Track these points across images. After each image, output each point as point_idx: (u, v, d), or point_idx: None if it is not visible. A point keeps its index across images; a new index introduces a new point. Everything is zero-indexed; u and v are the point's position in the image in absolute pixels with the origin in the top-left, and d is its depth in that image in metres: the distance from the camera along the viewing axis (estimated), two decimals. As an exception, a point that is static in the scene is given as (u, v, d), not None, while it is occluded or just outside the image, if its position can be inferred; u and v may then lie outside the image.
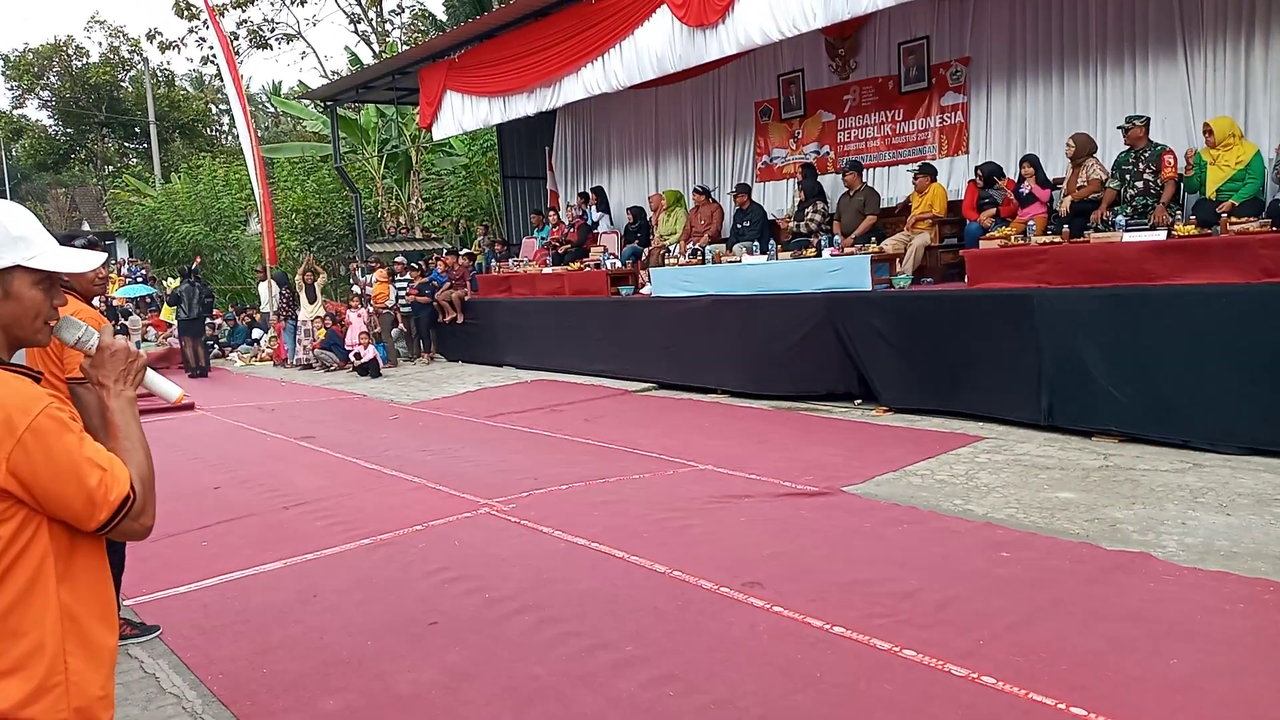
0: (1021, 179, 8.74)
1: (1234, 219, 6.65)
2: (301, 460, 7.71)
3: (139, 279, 22.81)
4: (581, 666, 3.61)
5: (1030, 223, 8.05)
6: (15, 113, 39.41)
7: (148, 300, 21.11)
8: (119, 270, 26.45)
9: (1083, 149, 8.28)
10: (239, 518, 5.98)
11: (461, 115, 13.66)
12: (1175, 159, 7.70)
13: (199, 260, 19.53)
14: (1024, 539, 4.82)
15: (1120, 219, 7.32)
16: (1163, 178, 7.66)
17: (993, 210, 8.89)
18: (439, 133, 14.45)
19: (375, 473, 7.06)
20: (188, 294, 14.82)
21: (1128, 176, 7.85)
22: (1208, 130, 7.39)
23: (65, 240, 2.03)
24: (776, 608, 4.05)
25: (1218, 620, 3.71)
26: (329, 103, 17.23)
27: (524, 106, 12.51)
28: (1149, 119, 7.88)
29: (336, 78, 22.65)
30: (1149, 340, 6.57)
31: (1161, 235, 6.87)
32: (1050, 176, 8.80)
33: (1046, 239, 7.64)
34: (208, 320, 16.65)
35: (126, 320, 21.98)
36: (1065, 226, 7.65)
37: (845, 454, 6.93)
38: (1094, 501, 5.36)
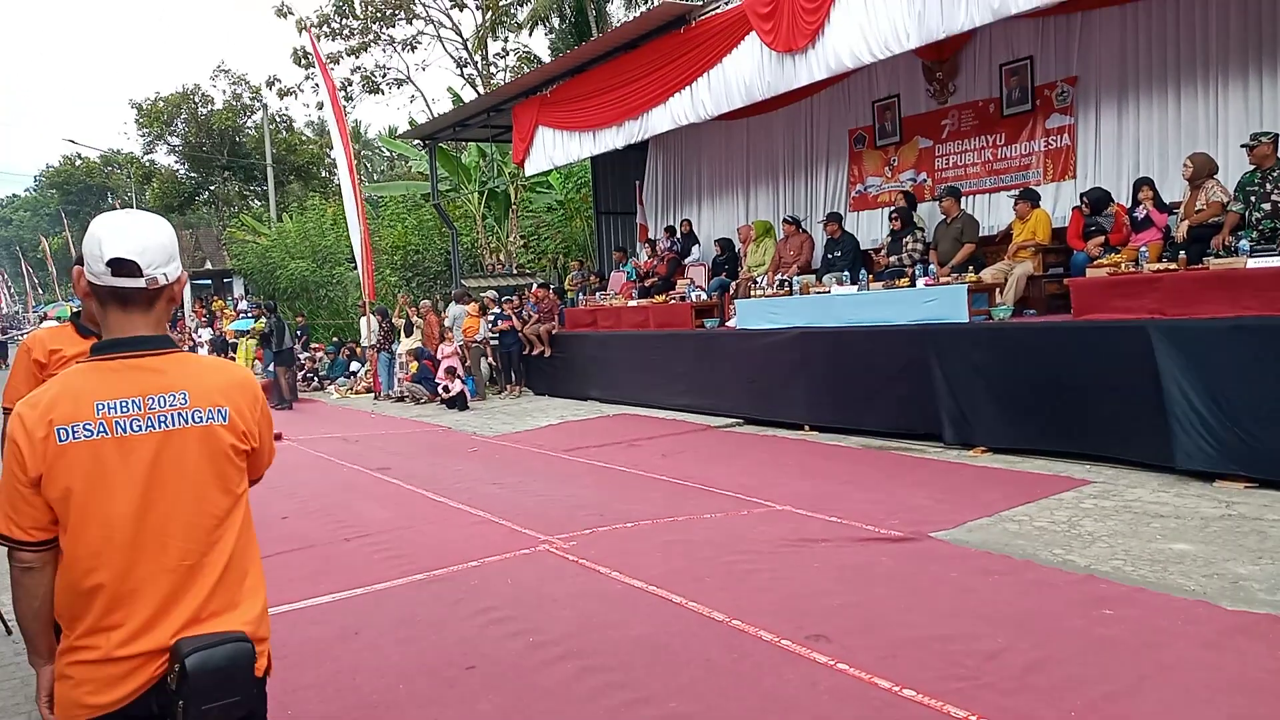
0: (1137, 203, 8.14)
1: (1377, 242, 5.97)
2: (372, 491, 7.63)
3: (250, 314, 23.63)
4: (619, 722, 3.30)
5: (1143, 249, 7.45)
6: (146, 158, 41.84)
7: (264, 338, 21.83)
8: (234, 305, 27.59)
9: (1201, 170, 7.65)
10: (299, 549, 5.88)
11: (553, 150, 13.69)
12: (1309, 178, 7.01)
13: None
14: (1130, 595, 4.30)
15: (1244, 244, 6.68)
16: (1293, 199, 6.98)
17: (1101, 238, 8.29)
18: (531, 168, 14.52)
19: (442, 505, 6.91)
20: (277, 329, 15.24)
21: (1253, 198, 7.18)
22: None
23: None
24: (841, 664, 3.66)
25: (1361, 699, 3.17)
26: (428, 141, 17.56)
27: (613, 140, 12.44)
28: (1277, 135, 7.22)
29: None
30: (1279, 375, 5.92)
31: (1292, 260, 6.23)
32: (1166, 201, 8.18)
33: (1160, 266, 7.04)
34: (301, 352, 17.08)
35: (233, 353, 22.83)
36: (1182, 253, 7.04)
37: (936, 497, 6.45)
38: (1213, 554, 4.78)
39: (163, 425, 1.83)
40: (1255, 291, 6.26)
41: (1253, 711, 3.12)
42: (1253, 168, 7.23)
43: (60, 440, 1.77)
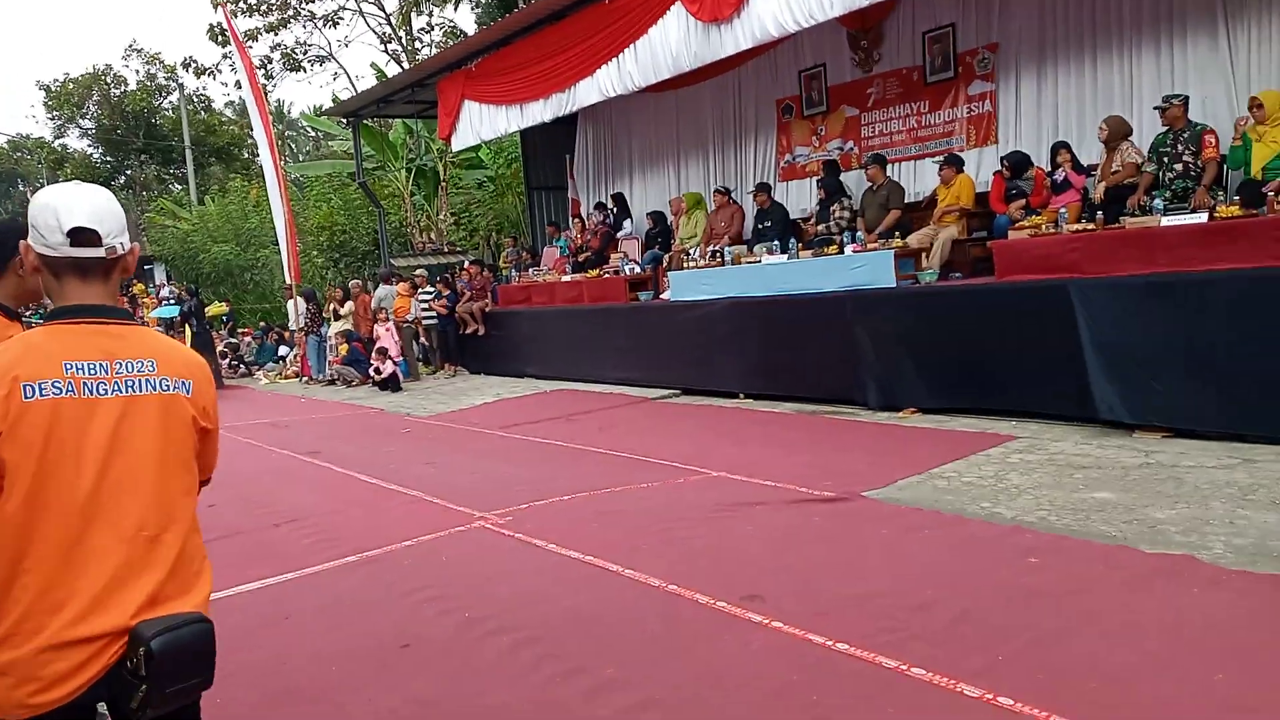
0: (1056, 165, 8.30)
1: (1281, 197, 6.17)
2: (302, 476, 7.48)
3: (171, 301, 22.98)
4: (555, 693, 3.28)
5: (1062, 211, 7.60)
6: (57, 142, 40.20)
7: (178, 322, 21.22)
8: (156, 293, 26.77)
9: (1116, 132, 7.83)
10: (225, 536, 5.73)
11: (479, 125, 13.48)
12: (1216, 139, 7.22)
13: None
14: (1055, 543, 4.40)
15: (1158, 203, 6.86)
16: (1203, 159, 7.19)
17: (1022, 201, 8.45)
18: (458, 143, 14.31)
19: (374, 487, 6.80)
20: (196, 312, 14.82)
21: (1166, 159, 7.39)
22: (1256, 105, 6.87)
23: None
24: (776, 623, 3.69)
25: (1271, 630, 3.29)
26: (351, 119, 17.17)
27: (541, 113, 12.28)
28: (1188, 98, 7.42)
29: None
30: (1192, 329, 6.10)
31: (1203, 218, 6.41)
32: (1084, 163, 8.35)
33: (1079, 227, 7.19)
34: (228, 338, 16.64)
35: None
36: (1099, 213, 7.20)
37: (868, 457, 6.54)
38: (1133, 501, 4.92)
39: (130, 390, 1.80)
40: (1168, 249, 6.44)
41: (1172, 648, 3.22)
42: (1165, 129, 7.42)
43: (26, 397, 1.72)
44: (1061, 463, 5.85)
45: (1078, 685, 2.98)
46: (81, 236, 1.79)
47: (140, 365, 1.83)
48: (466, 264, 15.78)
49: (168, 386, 1.85)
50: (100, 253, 1.82)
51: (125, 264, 1.89)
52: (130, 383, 1.81)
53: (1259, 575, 3.78)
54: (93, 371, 1.78)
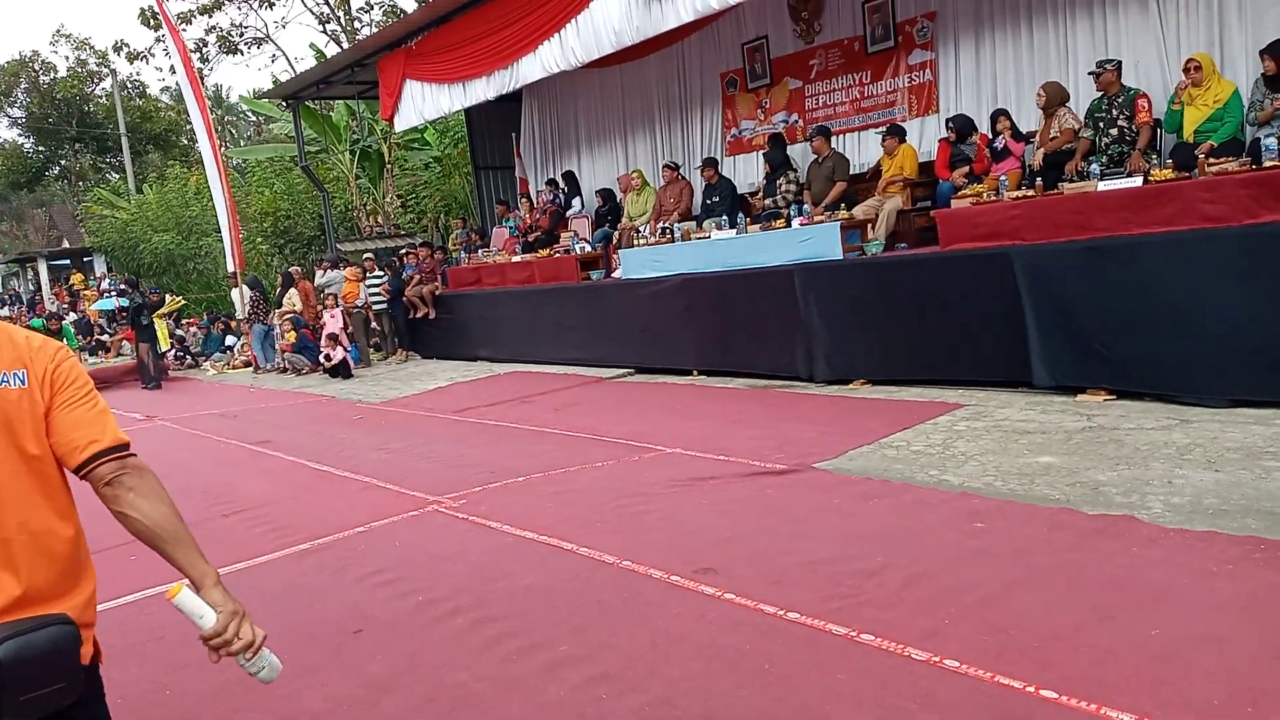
0: (996, 133, 8.40)
1: (1212, 160, 6.32)
2: (252, 465, 7.39)
3: (116, 293, 22.45)
4: (512, 670, 3.29)
5: (1003, 178, 7.71)
6: (-15, 132, 38.99)
7: (122, 314, 20.74)
8: (98, 285, 26.13)
9: (1054, 98, 7.95)
10: (175, 528, 5.65)
11: (422, 105, 13.31)
12: (1149, 103, 7.36)
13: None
14: (1000, 508, 4.50)
15: (1095, 168, 6.99)
16: (1137, 123, 7.34)
17: (965, 168, 8.56)
18: (400, 124, 14.12)
19: (326, 474, 6.74)
20: (137, 306, 14.48)
21: (1101, 124, 7.52)
22: (1194, 66, 6.96)
23: None
24: (729, 595, 3.73)
25: (1204, 584, 3.40)
26: (290, 101, 16.83)
27: (484, 91, 12.15)
28: (1120, 63, 7.55)
29: (302, 77, 22.20)
30: (1131, 291, 6.23)
31: (1138, 182, 6.54)
32: (1024, 130, 8.47)
33: (1020, 194, 7.30)
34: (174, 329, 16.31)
35: (103, 336, 21.67)
36: (1039, 180, 7.32)
37: (819, 429, 6.61)
38: (1076, 465, 5.04)
39: None
40: (1105, 212, 6.56)
41: (1111, 603, 3.31)
42: (1100, 94, 7.54)
43: None
44: (1007, 429, 5.96)
45: (1021, 644, 3.06)
46: None
47: None
48: (416, 247, 15.57)
49: (4, 379, 1.74)
50: None
51: None
52: None
53: (1195, 533, 3.89)
54: None
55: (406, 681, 3.30)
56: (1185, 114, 7.02)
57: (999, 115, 8.39)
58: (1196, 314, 5.92)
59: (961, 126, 8.69)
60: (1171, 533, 3.93)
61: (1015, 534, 4.13)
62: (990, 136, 8.47)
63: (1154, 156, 7.22)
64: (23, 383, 1.76)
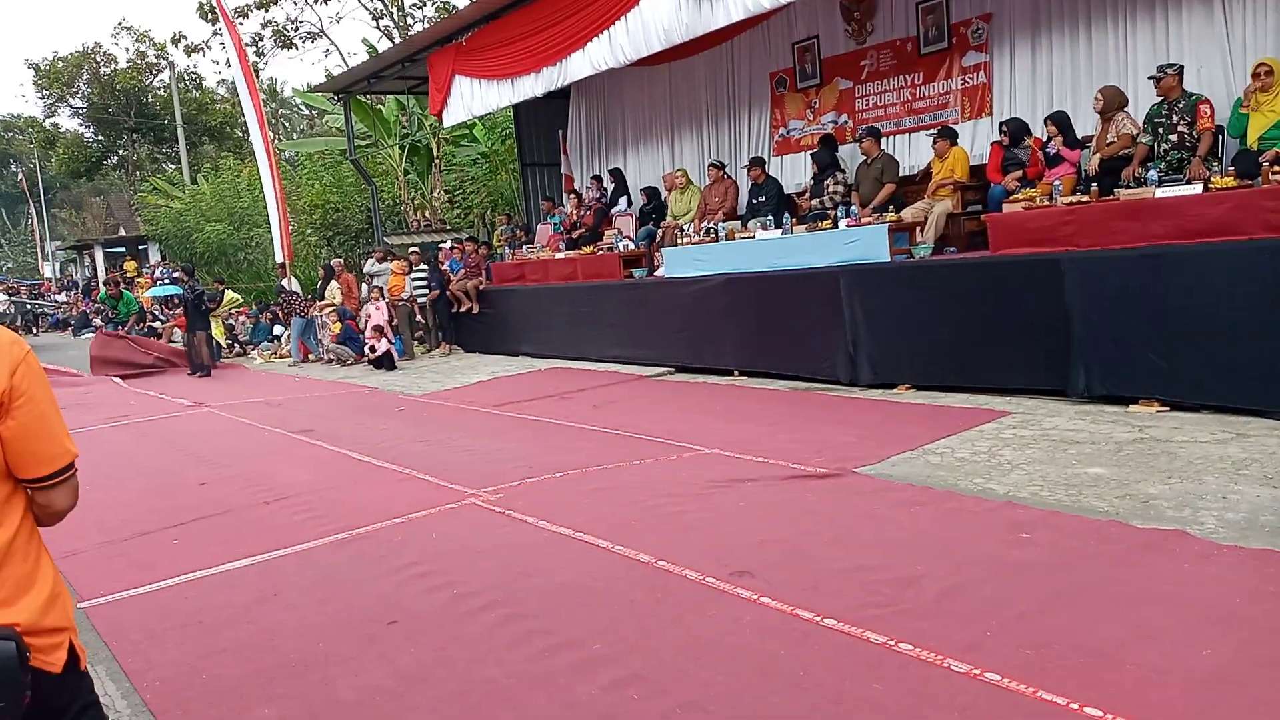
0: (1048, 139, 8.23)
1: (1277, 168, 6.12)
2: (295, 454, 7.46)
3: (167, 280, 22.88)
4: (542, 667, 3.27)
5: (1057, 183, 7.54)
6: (48, 122, 39.90)
7: (175, 301, 21.12)
8: (151, 273, 26.65)
9: (1111, 103, 7.75)
10: (217, 514, 5.72)
11: (471, 101, 13.37)
12: (1212, 109, 7.15)
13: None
14: (1046, 519, 4.39)
15: (1153, 174, 6.81)
16: (1198, 129, 7.12)
17: (1019, 172, 8.39)
18: (449, 119, 14.19)
19: (366, 465, 6.78)
20: (193, 295, 14.67)
21: (1161, 130, 7.32)
22: (1265, 71, 6.70)
23: None
24: (764, 599, 3.68)
25: (1260, 604, 3.28)
26: (342, 95, 17.02)
27: (532, 87, 12.17)
28: (1182, 67, 7.34)
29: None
30: (1188, 301, 6.07)
31: (1198, 189, 6.36)
32: (1080, 134, 8.28)
33: (1074, 199, 7.14)
34: (223, 319, 16.56)
35: (154, 323, 22.09)
36: (1094, 185, 7.15)
37: (861, 433, 6.52)
38: (1126, 477, 4.91)
39: None
40: (1163, 219, 6.39)
41: (1161, 621, 3.21)
42: (1160, 99, 7.35)
43: None
44: (1055, 438, 5.83)
45: (1065, 660, 2.97)
46: None
47: None
48: (463, 240, 15.64)
49: None
50: None
51: None
52: None
53: (1250, 550, 3.77)
54: None
55: (437, 675, 3.30)
56: (1250, 120, 6.81)
57: (1049, 121, 8.20)
58: (1255, 325, 5.74)
59: (1015, 130, 8.52)
60: (1225, 549, 3.81)
61: (1061, 546, 4.02)
62: (1044, 141, 8.30)
63: (1215, 164, 7.01)
64: None
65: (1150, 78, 7.45)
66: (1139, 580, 3.60)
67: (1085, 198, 6.99)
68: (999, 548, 4.07)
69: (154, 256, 30.13)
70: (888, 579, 3.78)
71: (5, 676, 1.58)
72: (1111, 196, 6.85)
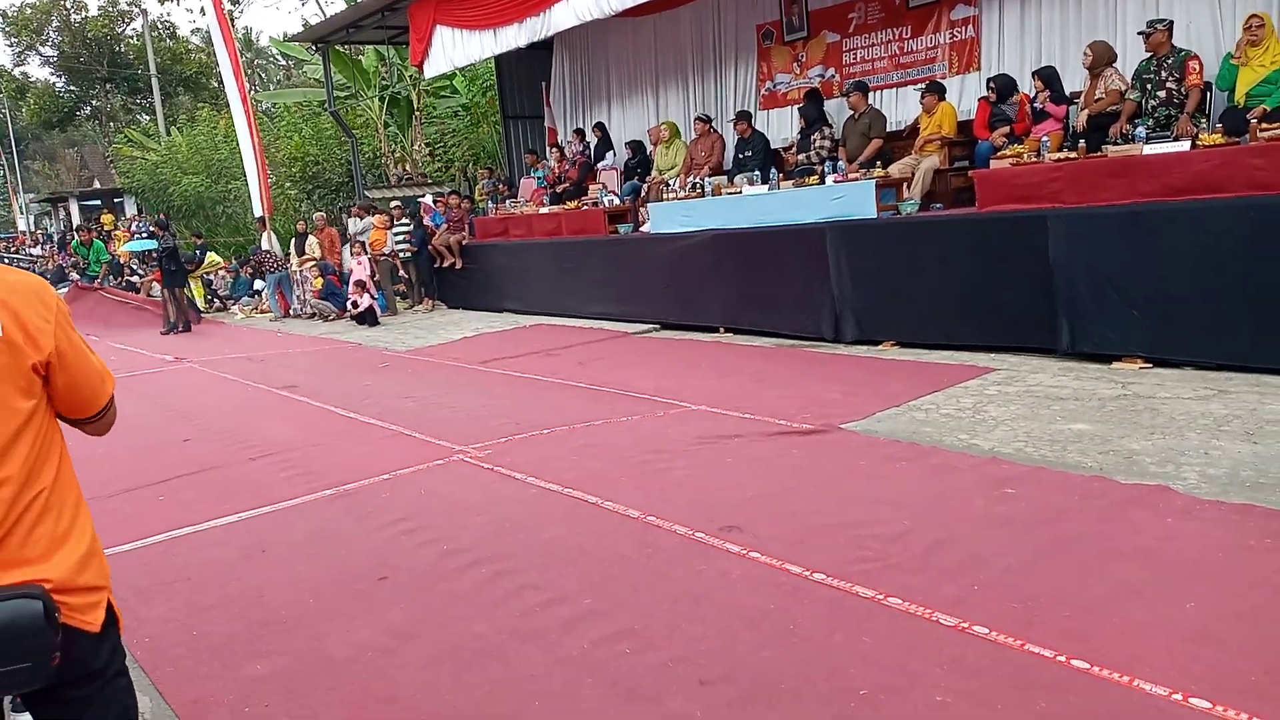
0: (1035, 94, 8.18)
1: (1265, 125, 6.11)
2: (279, 410, 7.42)
3: (144, 234, 22.56)
4: (533, 623, 3.29)
5: (1044, 139, 7.51)
6: (17, 70, 39.04)
7: (152, 255, 20.84)
8: (128, 226, 26.26)
9: (1100, 58, 7.70)
10: (202, 470, 5.70)
11: (452, 51, 13.13)
12: (1200, 65, 7.11)
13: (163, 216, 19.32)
14: (1030, 474, 4.43)
15: (1141, 131, 6.79)
16: (1187, 86, 7.09)
17: (1006, 128, 8.34)
18: (430, 70, 13.95)
19: (352, 421, 6.76)
20: (168, 249, 14.43)
21: (1149, 86, 7.28)
22: (1257, 24, 6.65)
23: None
24: (753, 553, 3.71)
25: (1241, 558, 3.33)
26: (320, 45, 16.68)
27: (515, 38, 11.95)
28: (1171, 23, 7.29)
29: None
30: (1174, 258, 6.08)
31: (1185, 146, 6.36)
32: (1069, 90, 8.23)
33: (1061, 156, 7.12)
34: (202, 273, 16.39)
35: (132, 277, 21.79)
36: (1082, 142, 7.13)
37: (847, 390, 6.54)
38: (1109, 433, 4.95)
39: None
40: (1150, 177, 6.39)
41: (1144, 576, 3.26)
42: (1149, 55, 7.30)
43: None
44: (1039, 394, 5.87)
45: (1051, 613, 3.01)
46: None
47: None
48: (445, 194, 15.47)
49: None
50: None
51: None
52: None
53: (1231, 505, 3.82)
54: None
55: (428, 631, 3.31)
56: (1239, 74, 6.79)
57: (1037, 76, 8.15)
58: (1238, 283, 5.78)
59: (1003, 86, 8.45)
60: (1207, 504, 3.86)
61: (1046, 501, 4.07)
62: (1031, 96, 8.25)
63: (1203, 120, 7.00)
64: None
65: (1139, 33, 7.40)
66: (1123, 535, 3.64)
67: (1073, 154, 6.98)
68: (985, 503, 4.11)
69: (130, 210, 29.65)
70: (875, 534, 3.81)
71: (32, 636, 1.52)
72: (1099, 153, 6.84)
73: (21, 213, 39.35)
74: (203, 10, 30.87)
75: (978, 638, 2.90)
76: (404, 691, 2.91)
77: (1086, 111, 7.65)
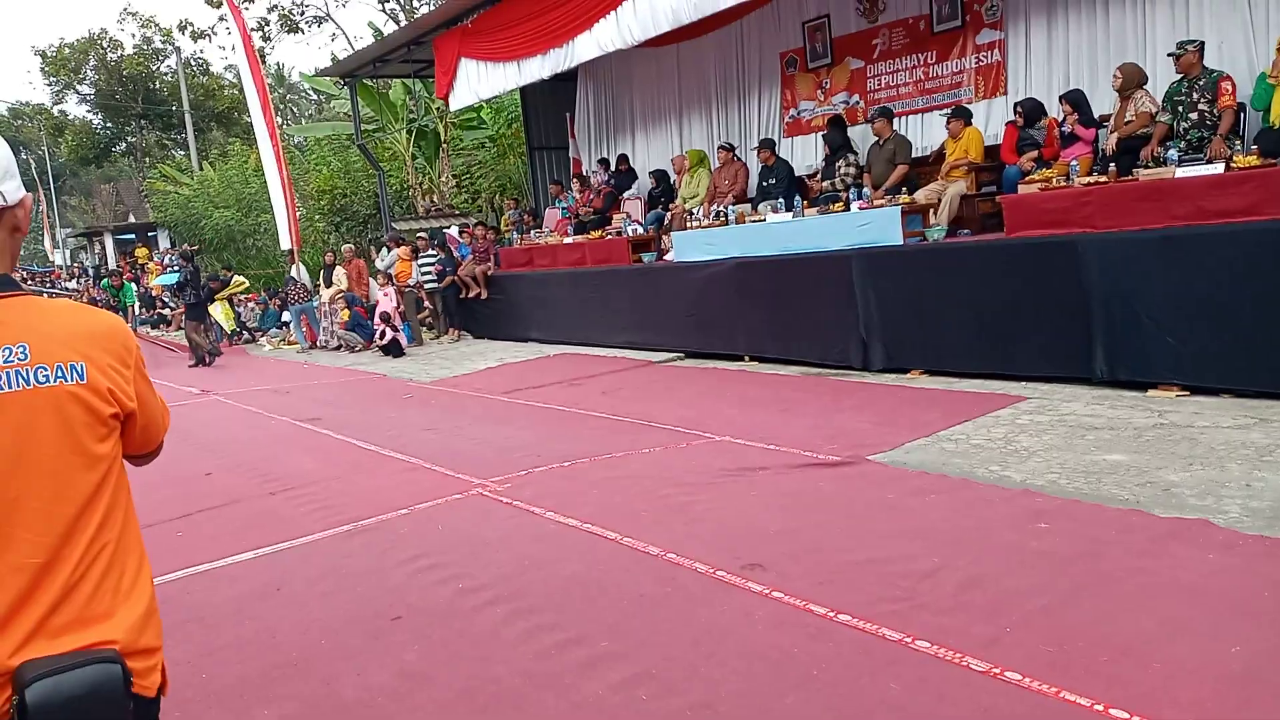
0: (1063, 118, 8.07)
1: (1301, 146, 5.96)
2: (301, 443, 7.40)
3: (174, 268, 22.86)
4: (549, 665, 3.19)
5: (1074, 163, 7.39)
6: (56, 109, 39.92)
7: (180, 287, 21.11)
8: (161, 260, 26.64)
9: (1130, 80, 7.58)
10: (223, 505, 5.67)
11: (477, 83, 13.23)
12: (1233, 86, 6.98)
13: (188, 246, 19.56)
14: (1065, 507, 4.28)
15: (1173, 154, 6.65)
16: (1219, 107, 6.96)
17: (1034, 153, 8.23)
18: (455, 102, 14.06)
19: (373, 454, 6.71)
20: (191, 280, 14.51)
21: (1180, 108, 7.16)
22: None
23: None
24: (776, 593, 3.59)
25: (1290, 598, 3.17)
26: (347, 79, 16.89)
27: (539, 70, 12.02)
28: (1203, 43, 7.17)
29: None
30: (1210, 283, 5.92)
31: (1219, 169, 6.20)
32: (1098, 113, 8.11)
33: (1091, 180, 6.99)
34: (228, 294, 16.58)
35: (164, 310, 22.06)
36: (1112, 165, 7.00)
37: (875, 420, 6.41)
38: (1146, 464, 4.79)
39: None
40: (1184, 200, 6.24)
41: (1186, 615, 3.11)
42: (1180, 77, 7.18)
43: None
44: (1072, 424, 5.71)
45: (1088, 657, 2.87)
46: None
47: (8, 353, 1.47)
48: (471, 226, 15.55)
49: (45, 378, 1.48)
50: None
51: (15, 220, 1.56)
52: None
53: (1276, 540, 3.66)
54: None
55: (442, 673, 3.22)
56: (1275, 95, 6.64)
57: (1065, 99, 8.04)
58: (1278, 307, 5.60)
59: (1030, 110, 8.34)
60: (1250, 539, 3.70)
61: (1081, 536, 3.92)
62: (1060, 120, 8.14)
63: (1237, 142, 6.85)
64: (81, 378, 1.52)
65: (1170, 54, 7.28)
66: (1162, 572, 3.49)
67: (1103, 178, 6.84)
68: (1017, 537, 3.97)
69: (164, 243, 30.10)
70: (904, 571, 3.69)
71: (111, 705, 1.43)
72: (1130, 177, 6.70)
73: (56, 247, 40.08)
74: (234, 47, 31.54)
75: (1011, 684, 2.77)
76: (414, 738, 2.82)
77: (1116, 135, 7.53)
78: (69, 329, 1.54)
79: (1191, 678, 2.71)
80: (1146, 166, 6.82)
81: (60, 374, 1.50)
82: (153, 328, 21.33)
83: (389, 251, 15.71)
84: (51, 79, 38.34)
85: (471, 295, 13.80)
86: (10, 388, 1.46)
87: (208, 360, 14.23)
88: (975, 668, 2.88)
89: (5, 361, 1.46)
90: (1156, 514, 4.08)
